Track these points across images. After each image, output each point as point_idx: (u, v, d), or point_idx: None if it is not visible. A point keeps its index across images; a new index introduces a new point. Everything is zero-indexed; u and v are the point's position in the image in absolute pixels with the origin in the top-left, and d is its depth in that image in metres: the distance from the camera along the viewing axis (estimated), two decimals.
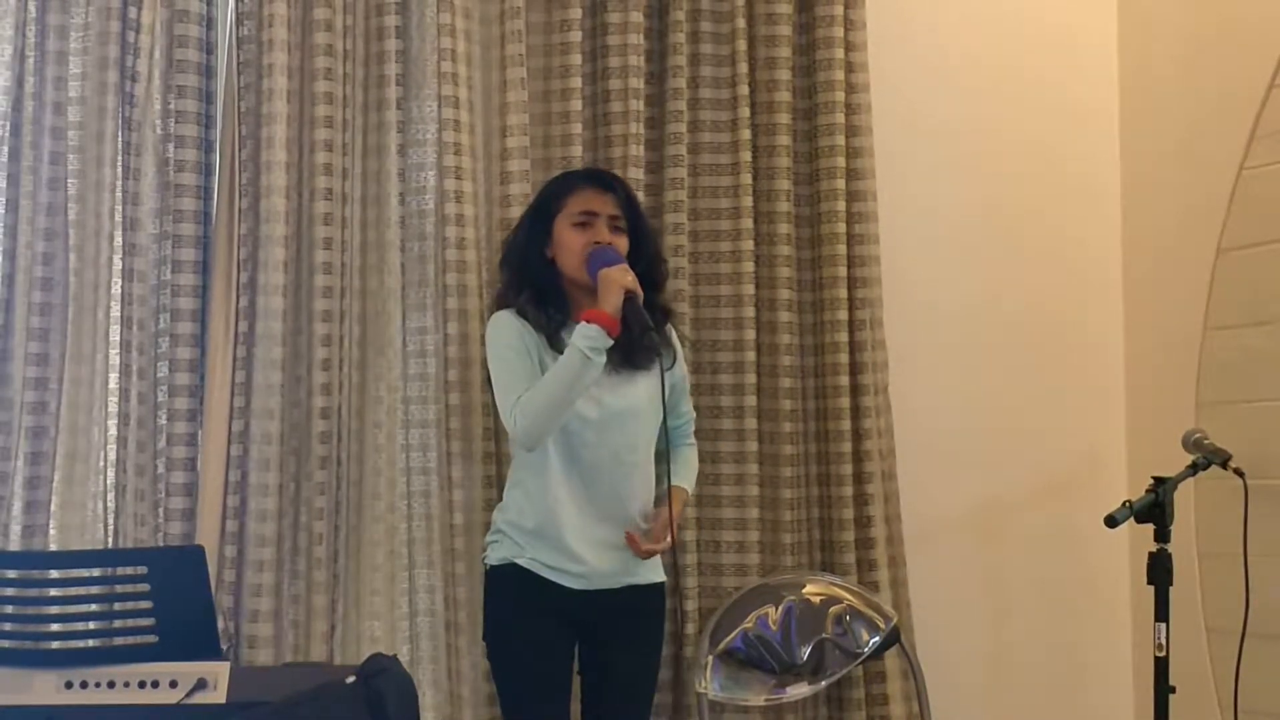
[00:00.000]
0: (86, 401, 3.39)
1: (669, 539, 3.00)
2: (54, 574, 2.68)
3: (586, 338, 2.87)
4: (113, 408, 3.40)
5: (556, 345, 3.00)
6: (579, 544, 2.99)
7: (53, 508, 3.36)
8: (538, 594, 3.00)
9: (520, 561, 3.02)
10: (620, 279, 2.91)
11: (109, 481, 3.39)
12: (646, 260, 3.10)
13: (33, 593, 2.62)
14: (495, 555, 3.07)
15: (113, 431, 3.40)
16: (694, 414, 3.32)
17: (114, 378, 3.40)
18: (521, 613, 3.01)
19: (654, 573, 3.13)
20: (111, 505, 3.39)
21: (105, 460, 3.40)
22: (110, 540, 3.37)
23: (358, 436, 3.46)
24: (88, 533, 3.37)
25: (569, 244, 3.04)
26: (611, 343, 2.90)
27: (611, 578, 3.03)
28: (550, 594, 2.99)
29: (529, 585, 3.00)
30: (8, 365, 3.37)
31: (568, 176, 3.19)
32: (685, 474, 3.22)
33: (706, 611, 3.53)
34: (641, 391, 3.06)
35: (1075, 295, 3.91)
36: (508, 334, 3.04)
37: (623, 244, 3.06)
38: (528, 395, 2.93)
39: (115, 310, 3.41)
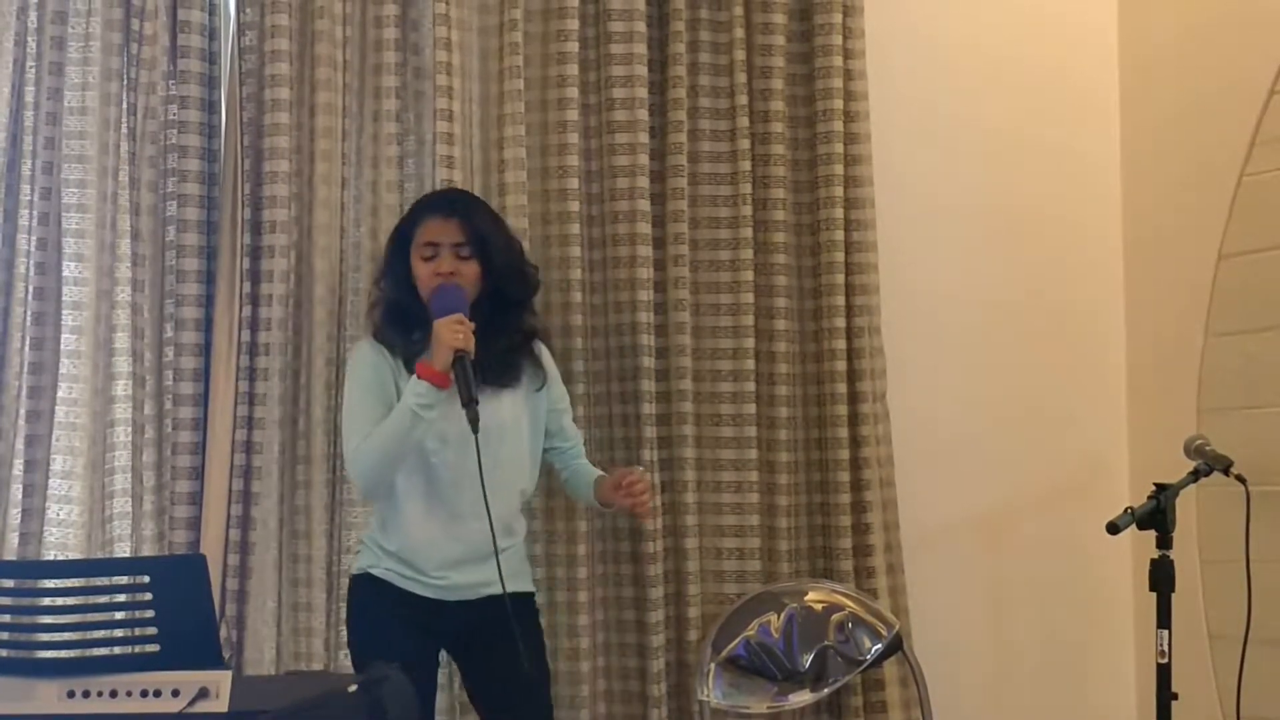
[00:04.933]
0: (90, 410, 3.40)
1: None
2: (56, 583, 2.68)
3: (416, 395, 2.88)
4: (118, 414, 3.42)
5: (412, 367, 2.97)
6: (440, 568, 2.98)
7: (49, 514, 3.38)
8: (396, 604, 3.00)
9: (375, 571, 3.03)
10: (449, 338, 2.86)
11: (116, 488, 3.41)
12: (497, 277, 3.03)
13: (34, 601, 2.62)
14: (356, 565, 3.11)
15: (119, 439, 3.41)
16: (580, 434, 3.25)
17: (120, 384, 3.42)
18: (381, 621, 3.01)
19: (517, 583, 3.06)
20: (117, 512, 3.40)
21: (111, 467, 3.41)
22: (117, 548, 3.39)
23: None
24: (92, 540, 3.39)
25: (420, 276, 3.02)
26: (443, 396, 2.88)
27: (470, 590, 2.99)
28: (408, 604, 3.00)
29: (386, 594, 3.01)
30: (4, 373, 3.39)
31: (416, 205, 3.14)
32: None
33: (708, 618, 3.53)
34: (506, 409, 3.03)
35: (1076, 300, 3.91)
36: (361, 367, 3.04)
37: (470, 270, 3.00)
38: (363, 446, 2.95)
39: (121, 318, 3.43)
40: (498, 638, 2.95)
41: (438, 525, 2.98)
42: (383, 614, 3.01)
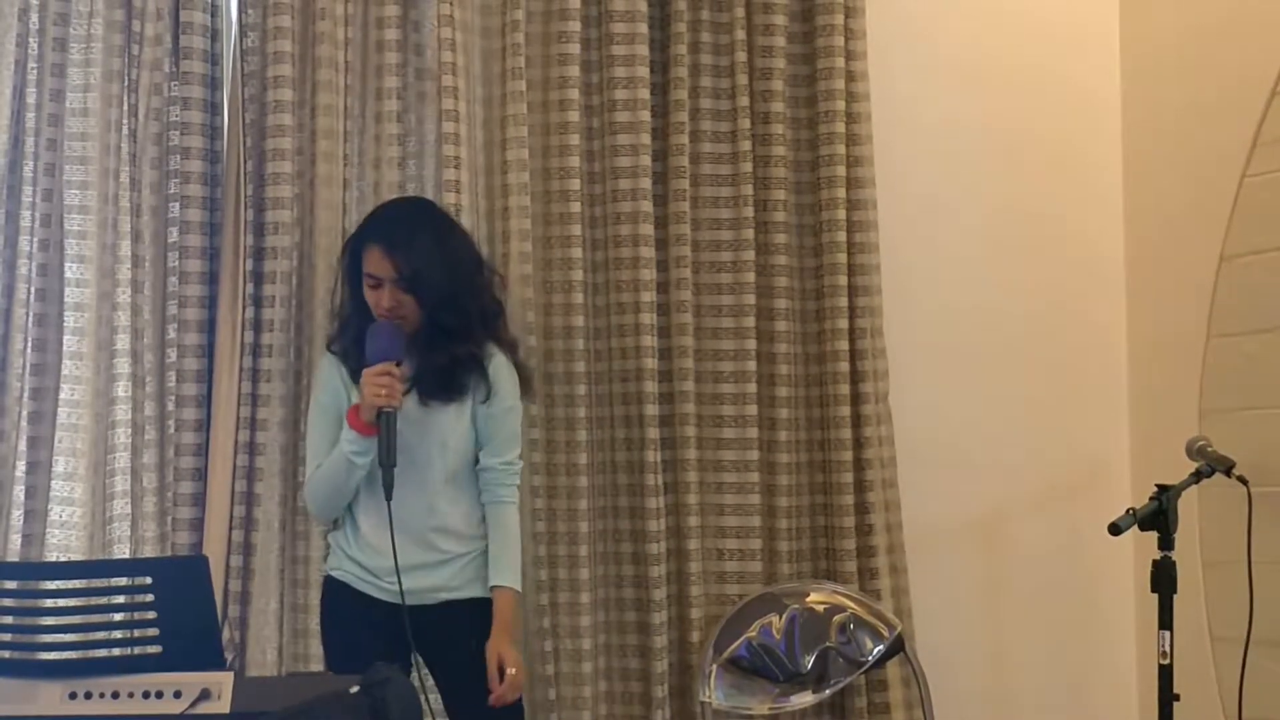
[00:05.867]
0: (92, 411, 3.40)
1: (512, 679, 2.90)
2: (58, 584, 2.68)
3: (348, 442, 2.93)
4: (120, 416, 3.42)
5: (359, 380, 2.97)
6: (393, 574, 2.92)
7: (51, 516, 3.38)
8: (359, 606, 3.02)
9: (337, 574, 3.07)
10: (372, 395, 2.86)
11: (118, 490, 3.41)
12: (430, 310, 2.99)
13: (36, 603, 2.63)
14: (325, 566, 3.15)
15: (121, 440, 3.42)
16: (515, 462, 3.09)
17: (122, 386, 3.42)
18: (347, 623, 3.04)
19: (475, 588, 3.04)
20: (119, 513, 3.41)
21: (113, 469, 3.41)
22: (118, 549, 3.39)
23: None
24: (94, 541, 3.39)
25: (368, 301, 3.01)
26: (373, 443, 2.89)
27: (425, 594, 2.98)
28: (370, 606, 3.01)
29: (349, 596, 3.04)
30: (5, 374, 3.40)
31: (364, 224, 3.10)
32: (504, 560, 3.03)
33: (710, 619, 3.53)
34: (450, 422, 3.03)
35: (1078, 302, 3.91)
36: (318, 387, 3.11)
37: (411, 300, 2.98)
38: (312, 480, 3.03)
39: (122, 320, 3.43)
40: (459, 642, 2.97)
41: (387, 533, 2.95)
42: (349, 616, 3.04)
